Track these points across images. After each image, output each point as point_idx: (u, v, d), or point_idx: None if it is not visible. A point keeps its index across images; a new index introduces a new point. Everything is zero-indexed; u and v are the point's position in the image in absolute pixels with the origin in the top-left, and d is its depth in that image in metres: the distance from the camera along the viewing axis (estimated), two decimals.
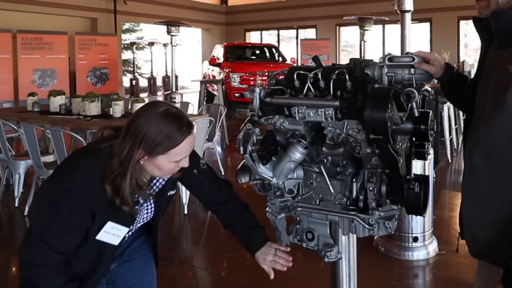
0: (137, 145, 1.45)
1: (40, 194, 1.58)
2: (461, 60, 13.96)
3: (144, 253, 1.86)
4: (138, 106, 4.35)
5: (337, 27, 16.46)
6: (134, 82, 16.87)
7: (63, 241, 1.49)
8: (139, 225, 1.71)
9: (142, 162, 1.49)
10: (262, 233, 1.76)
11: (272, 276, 1.74)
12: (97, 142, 1.56)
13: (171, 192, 1.73)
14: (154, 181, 1.66)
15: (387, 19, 10.05)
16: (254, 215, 1.79)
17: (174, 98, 9.36)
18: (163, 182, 1.66)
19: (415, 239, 3.28)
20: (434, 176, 4.60)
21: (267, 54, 13.66)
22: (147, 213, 1.69)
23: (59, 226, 1.47)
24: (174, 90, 10.08)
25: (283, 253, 1.72)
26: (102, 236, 1.54)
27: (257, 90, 1.53)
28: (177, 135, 1.46)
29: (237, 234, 1.79)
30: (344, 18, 10.94)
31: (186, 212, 4.22)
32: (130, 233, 1.67)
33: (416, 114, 1.39)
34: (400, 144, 1.46)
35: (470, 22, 16.21)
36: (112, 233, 1.55)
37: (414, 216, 2.43)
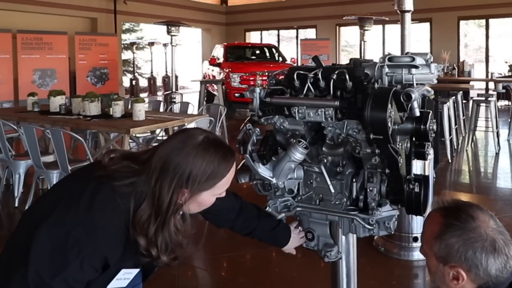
0: (182, 185, 1.25)
1: (41, 238, 1.23)
2: (461, 60, 13.96)
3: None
4: (138, 106, 4.35)
5: (337, 27, 16.45)
6: (134, 82, 16.86)
7: None
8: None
9: (181, 204, 1.29)
10: (285, 228, 1.69)
11: (294, 252, 1.74)
12: (111, 177, 1.27)
13: None
14: None
15: (387, 19, 10.03)
16: (268, 215, 1.67)
17: (174, 98, 9.35)
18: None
19: (415, 239, 3.28)
20: (434, 176, 4.60)
21: (267, 54, 13.65)
22: None
23: (63, 280, 1.20)
24: (174, 90, 10.06)
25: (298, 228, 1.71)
26: (114, 283, 1.33)
27: (257, 90, 1.53)
28: (224, 166, 1.30)
29: (261, 239, 1.72)
30: (344, 18, 10.93)
31: None
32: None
33: (416, 114, 1.39)
34: (400, 144, 1.46)
35: (470, 22, 16.16)
36: (124, 278, 1.35)
37: (414, 216, 2.43)
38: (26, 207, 4.18)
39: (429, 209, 1.40)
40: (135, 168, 1.30)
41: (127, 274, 1.34)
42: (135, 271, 1.37)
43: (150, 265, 1.42)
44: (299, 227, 1.70)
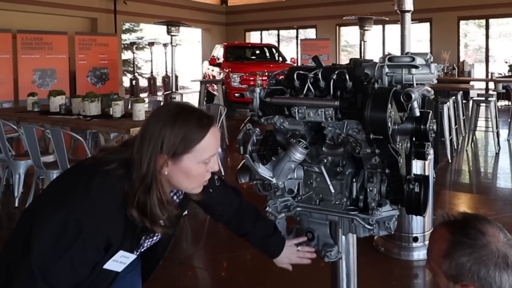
0: (158, 149, 1.27)
1: (42, 224, 1.25)
2: (461, 60, 13.96)
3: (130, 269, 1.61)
4: (138, 106, 4.36)
5: (337, 27, 16.45)
6: (134, 82, 16.87)
7: (69, 278, 1.26)
8: (143, 249, 1.52)
9: (166, 172, 1.31)
10: (279, 239, 1.68)
11: (291, 268, 1.72)
12: (102, 163, 1.32)
13: (184, 213, 1.61)
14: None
15: (387, 19, 10.02)
16: (266, 221, 1.67)
17: (174, 98, 9.35)
18: (178, 201, 1.50)
19: (415, 239, 3.28)
20: (434, 176, 4.60)
21: (267, 54, 13.65)
22: (154, 236, 1.51)
23: (68, 261, 1.23)
24: (174, 90, 10.05)
25: (305, 247, 1.67)
26: (110, 265, 1.35)
27: (257, 90, 1.53)
28: (199, 128, 1.31)
29: (253, 244, 1.71)
30: (344, 18, 10.92)
31: (186, 212, 4.21)
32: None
33: (416, 114, 1.39)
34: (400, 144, 1.46)
35: (470, 22, 16.16)
36: (120, 261, 1.36)
37: (414, 216, 2.43)
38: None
39: (429, 209, 1.39)
40: (122, 149, 1.37)
41: (123, 258, 1.36)
42: (131, 256, 1.39)
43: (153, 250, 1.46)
44: (300, 246, 1.67)
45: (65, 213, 1.24)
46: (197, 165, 1.32)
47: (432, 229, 3.36)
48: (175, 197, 1.48)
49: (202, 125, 1.31)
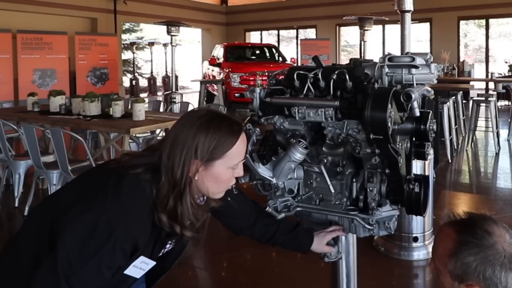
0: (192, 155, 1.28)
1: (69, 226, 1.22)
2: (461, 60, 13.96)
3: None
4: (138, 106, 4.35)
5: (337, 27, 16.45)
6: (134, 82, 16.87)
7: (92, 282, 1.22)
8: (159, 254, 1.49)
9: (197, 177, 1.31)
10: (306, 230, 1.67)
11: (331, 249, 1.68)
12: (128, 166, 1.32)
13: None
14: None
15: (387, 19, 10.04)
16: (287, 220, 1.67)
17: (174, 98, 9.36)
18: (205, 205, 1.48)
19: (415, 239, 3.28)
20: (434, 176, 4.61)
21: (267, 54, 13.66)
22: (167, 244, 1.49)
23: (96, 265, 1.20)
24: (174, 90, 10.08)
25: (330, 227, 1.66)
26: (130, 270, 1.32)
27: (257, 90, 1.54)
28: (231, 134, 1.33)
29: (283, 244, 1.69)
30: (344, 18, 10.94)
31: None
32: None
33: (416, 114, 1.39)
34: (400, 144, 1.46)
35: (470, 22, 16.13)
36: (140, 267, 1.34)
37: (414, 216, 2.43)
38: (26, 207, 4.18)
39: (429, 209, 1.39)
40: (147, 154, 1.36)
41: (143, 264, 1.34)
42: (151, 262, 1.37)
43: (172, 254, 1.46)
44: (328, 229, 1.64)
45: (94, 216, 1.22)
46: (227, 170, 1.34)
47: (431, 229, 3.36)
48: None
49: (233, 131, 1.33)
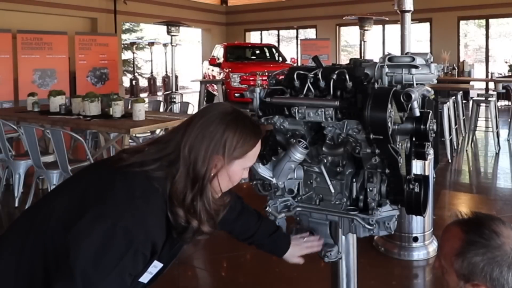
0: (219, 150, 1.24)
1: (80, 239, 1.11)
2: (461, 60, 13.96)
3: None
4: (138, 106, 4.35)
5: (337, 27, 16.45)
6: (134, 82, 16.88)
7: None
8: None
9: (215, 173, 1.27)
10: (284, 235, 1.66)
11: (302, 261, 1.68)
12: (138, 163, 1.23)
13: None
14: None
15: (387, 19, 10.04)
16: (269, 221, 1.66)
17: (174, 98, 9.35)
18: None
19: (415, 239, 3.28)
20: (434, 176, 4.60)
21: (267, 54, 13.66)
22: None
23: (118, 275, 1.12)
24: (174, 90, 10.08)
25: (309, 237, 1.65)
26: (144, 277, 1.26)
27: (257, 90, 1.54)
28: (254, 134, 1.30)
29: (260, 245, 1.68)
30: (344, 18, 10.94)
31: None
32: None
33: (416, 114, 1.39)
34: (400, 144, 1.46)
35: (470, 22, 16.12)
36: (150, 272, 1.27)
37: (414, 216, 2.43)
38: (26, 207, 4.18)
39: (429, 209, 1.39)
40: (160, 148, 1.27)
41: (153, 268, 1.27)
42: (159, 265, 1.30)
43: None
44: (304, 235, 1.65)
45: (110, 224, 1.12)
46: (241, 170, 1.32)
47: (431, 229, 3.36)
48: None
49: (256, 132, 1.31)
